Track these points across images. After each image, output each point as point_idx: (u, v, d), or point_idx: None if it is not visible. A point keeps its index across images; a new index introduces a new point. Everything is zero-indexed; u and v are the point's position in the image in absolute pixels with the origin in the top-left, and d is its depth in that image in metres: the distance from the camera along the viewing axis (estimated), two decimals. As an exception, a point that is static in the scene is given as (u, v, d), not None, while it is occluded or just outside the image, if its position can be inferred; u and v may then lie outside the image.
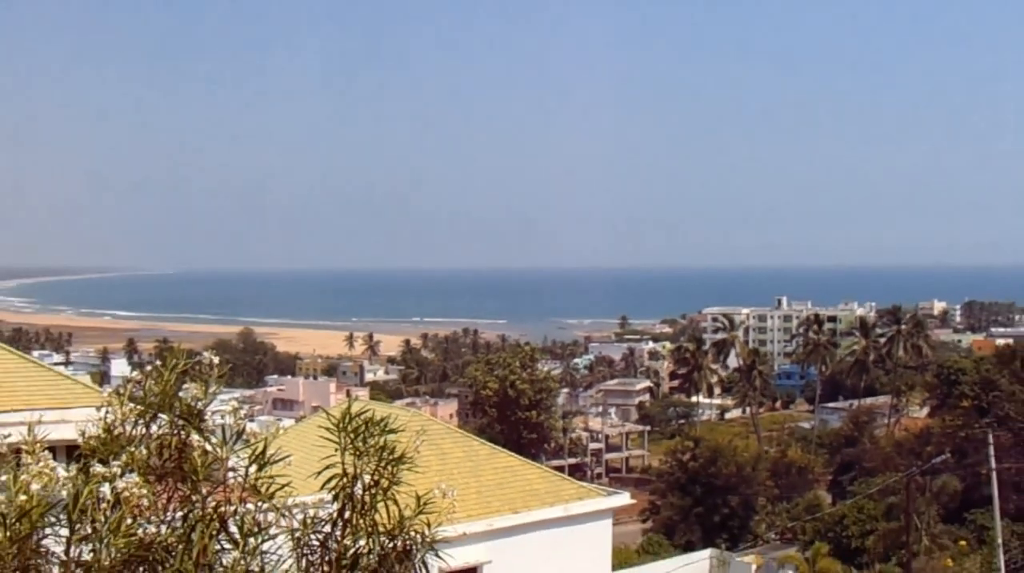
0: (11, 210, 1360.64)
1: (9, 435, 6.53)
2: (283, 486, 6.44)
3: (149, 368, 6.85)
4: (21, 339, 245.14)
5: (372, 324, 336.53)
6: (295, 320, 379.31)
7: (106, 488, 5.79)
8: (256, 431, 6.52)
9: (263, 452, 6.35)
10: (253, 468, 6.32)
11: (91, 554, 5.77)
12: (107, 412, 6.65)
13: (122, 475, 5.92)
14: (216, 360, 6.83)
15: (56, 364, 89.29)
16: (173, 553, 6.11)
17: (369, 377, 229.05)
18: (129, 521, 5.81)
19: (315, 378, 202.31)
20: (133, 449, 6.41)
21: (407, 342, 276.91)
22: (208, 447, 6.51)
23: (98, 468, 5.93)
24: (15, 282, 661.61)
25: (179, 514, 6.44)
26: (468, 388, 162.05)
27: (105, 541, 5.69)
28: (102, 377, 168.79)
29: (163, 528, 6.27)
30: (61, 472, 5.90)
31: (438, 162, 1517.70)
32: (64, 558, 5.81)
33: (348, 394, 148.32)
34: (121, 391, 6.79)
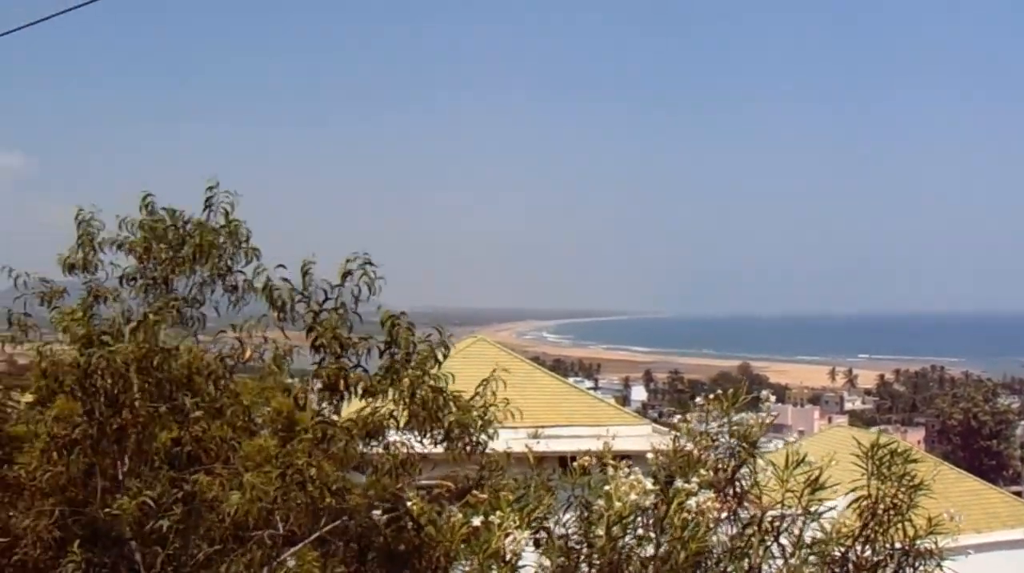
0: (554, 260, 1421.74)
1: (538, 442, 6.78)
2: (830, 509, 6.38)
3: (711, 396, 6.96)
4: (559, 368, 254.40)
5: (850, 360, 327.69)
6: (785, 356, 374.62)
7: (692, 501, 5.89)
8: (811, 461, 6.48)
9: (817, 479, 6.32)
10: (807, 491, 6.30)
11: (664, 553, 5.88)
12: (676, 437, 6.78)
13: (697, 492, 6.02)
14: (772, 398, 6.86)
15: (588, 389, 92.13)
16: (722, 556, 6.14)
17: (848, 406, 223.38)
18: (702, 530, 5.89)
19: (801, 406, 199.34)
20: (703, 470, 6.51)
21: (881, 377, 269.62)
22: (761, 471, 6.54)
23: (679, 484, 6.06)
24: (554, 322, 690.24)
25: (727, 525, 6.48)
26: (935, 418, 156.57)
27: (685, 544, 5.78)
28: (623, 400, 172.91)
29: (716, 536, 6.32)
30: (648, 484, 6.03)
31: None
32: (643, 555, 5.95)
33: (830, 421, 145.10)
34: (687, 419, 6.92)
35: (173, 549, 11.52)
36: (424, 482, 11.43)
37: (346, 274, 11.09)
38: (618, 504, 5.77)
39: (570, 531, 6.43)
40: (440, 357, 11.13)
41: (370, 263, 11.05)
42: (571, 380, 69.33)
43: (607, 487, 5.96)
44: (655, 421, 62.91)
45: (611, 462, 6.18)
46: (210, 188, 14.24)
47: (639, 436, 27.03)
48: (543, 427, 23.57)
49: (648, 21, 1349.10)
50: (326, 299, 11.32)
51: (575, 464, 6.57)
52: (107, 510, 12.58)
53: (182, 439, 13.37)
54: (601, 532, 5.92)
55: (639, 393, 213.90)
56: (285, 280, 11.58)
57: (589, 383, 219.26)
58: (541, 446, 7.42)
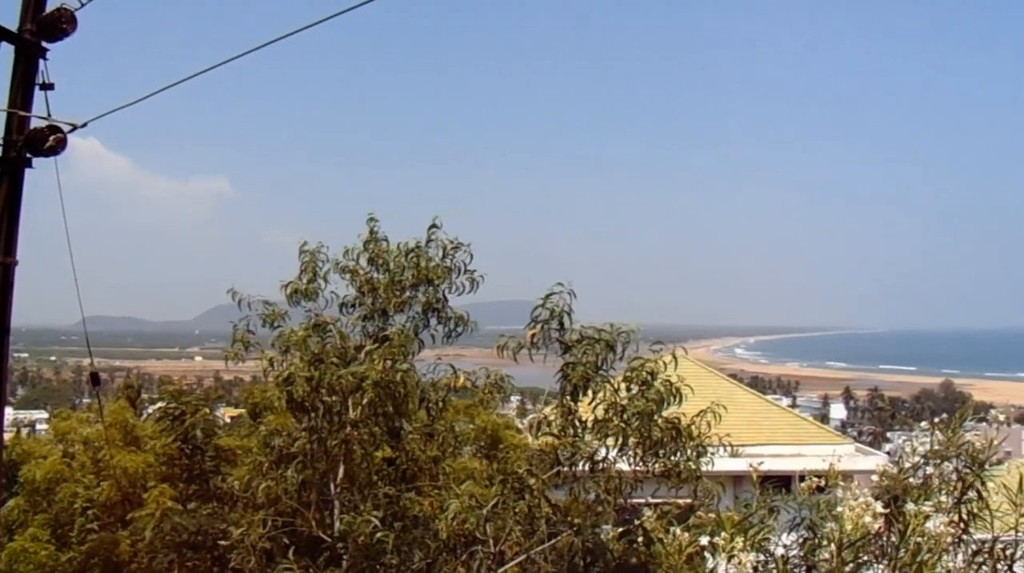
0: (748, 276, 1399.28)
1: (762, 462, 6.70)
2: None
3: (936, 420, 6.80)
4: (756, 385, 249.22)
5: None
6: (992, 372, 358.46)
7: (929, 525, 5.76)
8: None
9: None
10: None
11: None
12: (901, 458, 6.64)
13: (933, 516, 5.88)
14: (1003, 418, 6.66)
15: (787, 407, 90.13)
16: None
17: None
18: (936, 556, 5.74)
19: (1008, 425, 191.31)
20: (942, 496, 6.34)
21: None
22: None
23: (911, 507, 5.91)
24: (753, 339, 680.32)
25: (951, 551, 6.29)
26: None
27: (918, 570, 5.64)
28: (822, 418, 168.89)
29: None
30: (878, 507, 5.89)
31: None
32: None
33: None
34: (910, 439, 6.77)
35: (391, 563, 11.89)
36: (652, 501, 11.57)
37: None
38: (849, 526, 5.65)
39: (791, 553, 6.35)
40: (674, 401, 11.47)
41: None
42: (769, 397, 68.12)
43: (839, 508, 5.86)
44: (855, 440, 61.31)
45: (841, 483, 6.08)
46: (432, 227, 14.85)
47: (843, 455, 26.43)
48: (744, 445, 23.43)
49: None
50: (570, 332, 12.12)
51: (803, 484, 6.50)
52: (334, 525, 13.09)
53: (397, 459, 13.93)
54: (827, 555, 5.82)
55: (838, 411, 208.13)
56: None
57: (787, 401, 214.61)
58: (741, 464, 7.39)
